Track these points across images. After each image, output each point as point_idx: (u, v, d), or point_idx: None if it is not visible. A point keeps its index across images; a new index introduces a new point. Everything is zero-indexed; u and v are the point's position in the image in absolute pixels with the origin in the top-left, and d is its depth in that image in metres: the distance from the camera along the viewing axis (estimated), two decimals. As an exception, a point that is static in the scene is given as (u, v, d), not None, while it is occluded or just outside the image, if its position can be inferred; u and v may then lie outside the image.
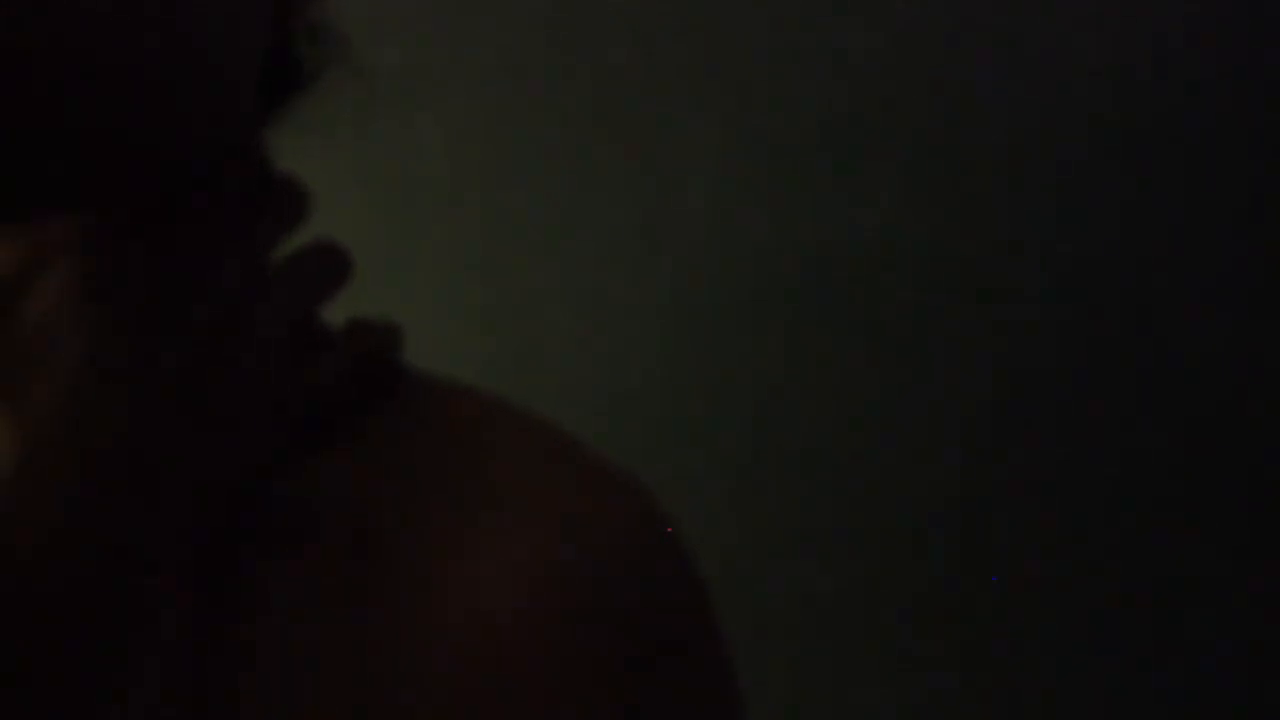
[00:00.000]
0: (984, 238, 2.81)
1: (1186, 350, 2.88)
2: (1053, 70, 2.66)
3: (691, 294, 2.86)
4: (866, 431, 2.94)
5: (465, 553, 0.57)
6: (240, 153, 0.59)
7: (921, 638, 2.74)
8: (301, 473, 0.59)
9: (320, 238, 0.63)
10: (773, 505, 2.91)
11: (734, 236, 2.81)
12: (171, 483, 0.53)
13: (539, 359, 2.93)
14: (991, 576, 2.77)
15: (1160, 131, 2.70)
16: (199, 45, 0.52)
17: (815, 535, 2.89)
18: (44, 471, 0.51)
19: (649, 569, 0.57)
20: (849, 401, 2.96)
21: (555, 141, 2.79)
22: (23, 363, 0.53)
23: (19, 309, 0.54)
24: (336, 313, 2.67)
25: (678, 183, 2.76)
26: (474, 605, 0.56)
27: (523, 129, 2.79)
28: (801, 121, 2.71)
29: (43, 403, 0.52)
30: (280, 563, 0.57)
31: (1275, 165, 2.69)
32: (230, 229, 0.56)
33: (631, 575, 0.56)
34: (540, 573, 0.56)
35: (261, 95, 0.62)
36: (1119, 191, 2.78)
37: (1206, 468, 2.89)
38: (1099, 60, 2.56)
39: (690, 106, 2.75)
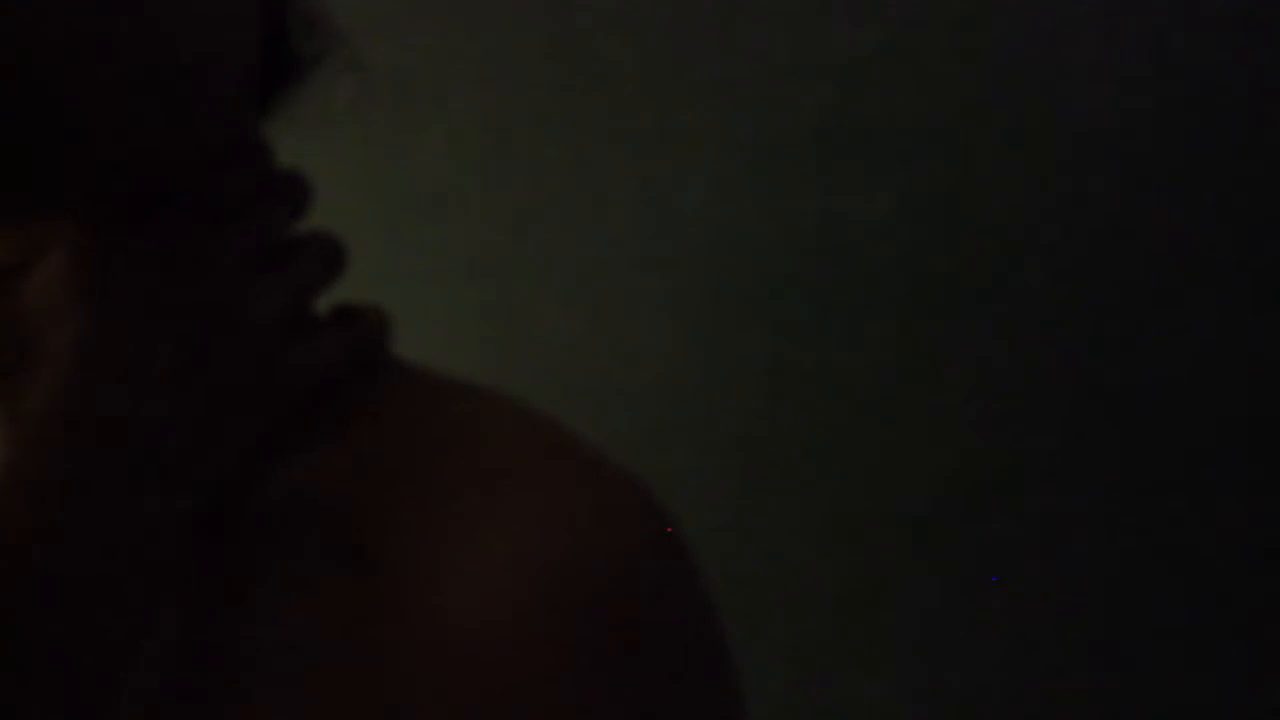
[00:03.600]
0: (984, 237, 2.81)
1: (1187, 350, 2.88)
2: (1053, 70, 2.66)
3: (691, 293, 2.86)
4: (867, 430, 2.93)
5: (463, 550, 0.56)
6: (236, 142, 0.59)
7: (921, 637, 2.74)
8: (293, 466, 0.59)
9: (318, 229, 0.63)
10: (772, 503, 2.90)
11: (734, 236, 2.81)
12: (163, 473, 0.53)
13: (539, 358, 2.93)
14: (991, 576, 2.77)
15: (1161, 131, 2.70)
16: (186, 38, 0.52)
17: (815, 534, 2.89)
18: (37, 463, 0.51)
19: (648, 564, 0.57)
20: (849, 400, 2.96)
21: (555, 141, 2.79)
22: (18, 352, 0.53)
23: (14, 299, 0.54)
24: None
25: (678, 183, 2.76)
26: (473, 602, 0.55)
27: (523, 129, 2.79)
28: (801, 120, 2.71)
29: (37, 393, 0.52)
30: (276, 559, 0.57)
31: (1276, 165, 2.69)
32: (225, 216, 0.56)
33: (631, 570, 0.56)
34: (539, 568, 0.56)
35: (257, 88, 0.62)
36: (1119, 191, 2.78)
37: (1207, 468, 2.89)
38: (1099, 60, 2.56)
39: (690, 106, 2.75)
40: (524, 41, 2.75)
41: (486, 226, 2.87)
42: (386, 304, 2.82)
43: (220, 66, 0.53)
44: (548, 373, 3.01)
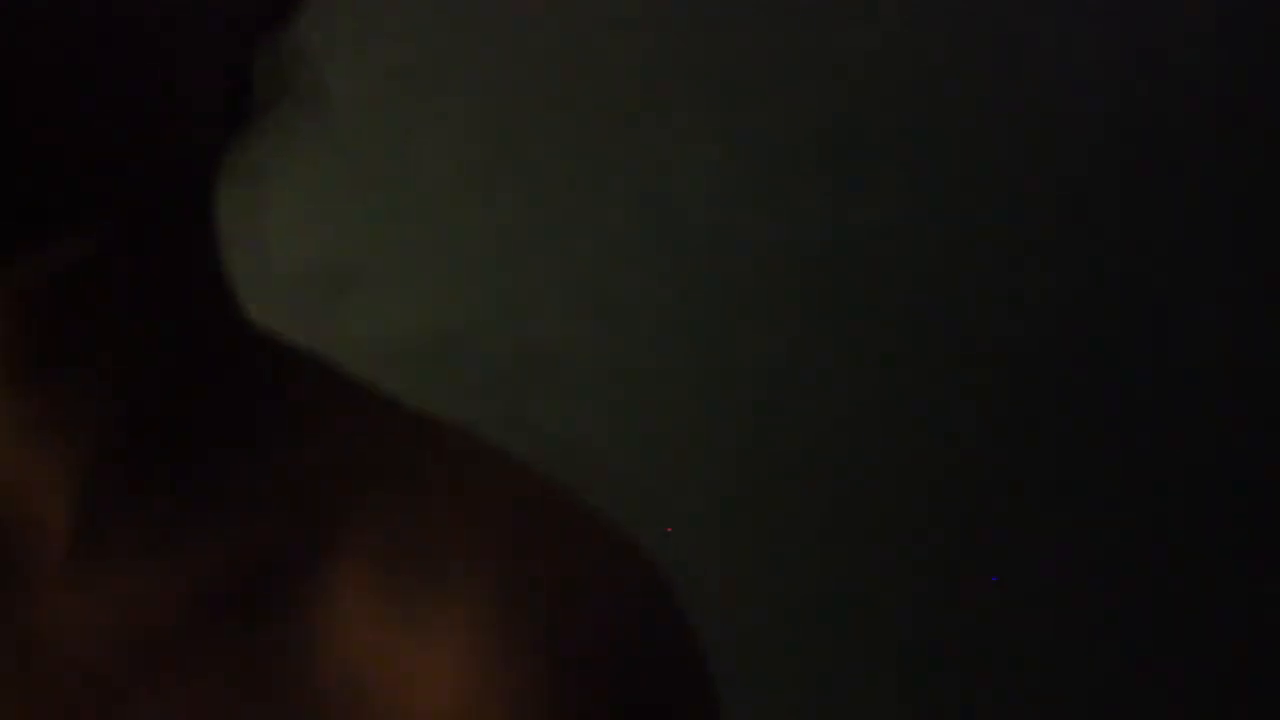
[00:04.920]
0: (986, 240, 2.81)
1: (1187, 349, 2.88)
2: (1053, 71, 2.67)
3: (691, 293, 2.86)
4: (867, 431, 2.93)
5: (441, 598, 0.56)
6: (196, 185, 0.59)
7: (921, 638, 2.74)
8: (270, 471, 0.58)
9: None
10: (772, 504, 2.90)
11: (734, 236, 2.80)
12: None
13: (539, 358, 2.93)
14: (991, 576, 2.77)
15: (1160, 132, 2.71)
16: (159, 75, 0.51)
17: (815, 534, 2.88)
18: None
19: (630, 604, 0.57)
20: (850, 401, 2.96)
21: (555, 141, 2.79)
22: None
23: None
24: (337, 312, 2.67)
25: (678, 182, 2.76)
26: (449, 650, 0.55)
27: (523, 129, 2.79)
28: (802, 122, 2.71)
29: None
30: (261, 611, 0.57)
31: (1275, 165, 2.69)
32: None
33: (614, 612, 0.56)
34: (518, 614, 0.56)
35: (219, 123, 0.61)
36: (1119, 191, 2.78)
37: (1207, 468, 2.88)
38: (1099, 61, 2.57)
39: (690, 106, 2.76)
40: (525, 43, 2.75)
41: (487, 227, 2.87)
42: (386, 303, 2.82)
43: (189, 96, 0.53)
44: (548, 372, 3.01)
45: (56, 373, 0.54)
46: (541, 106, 2.80)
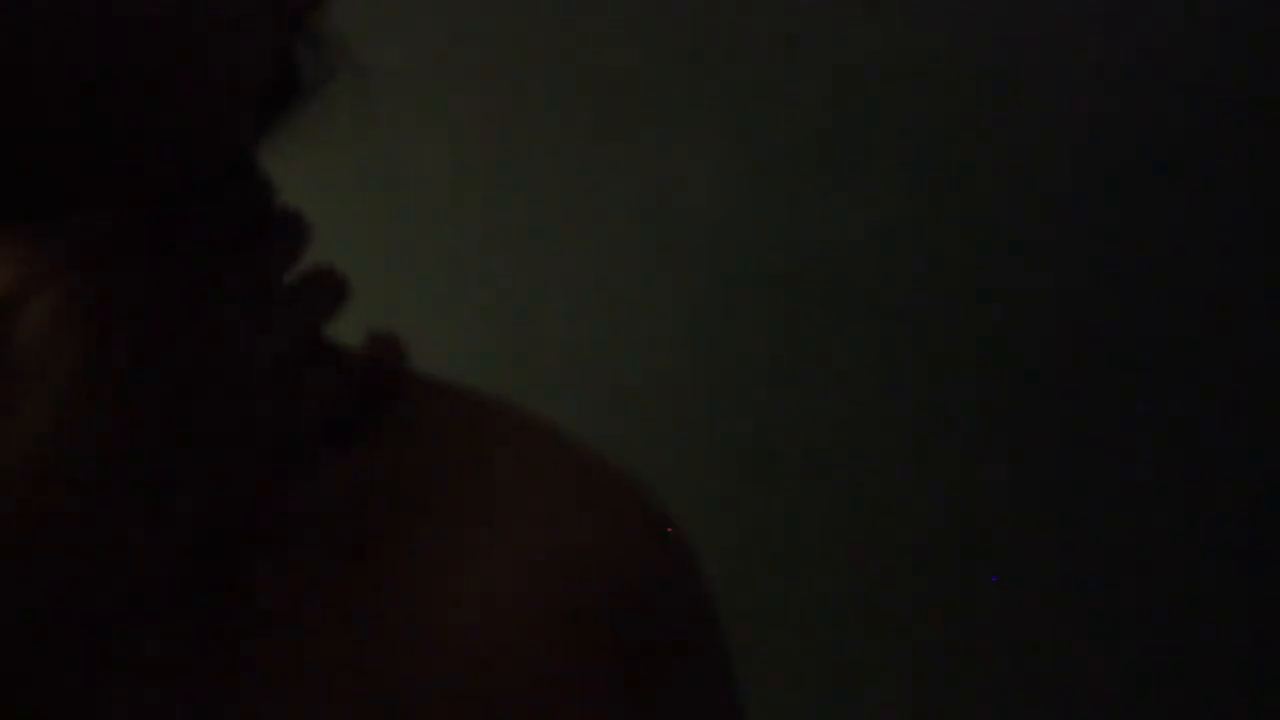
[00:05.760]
0: (983, 238, 2.81)
1: (1185, 349, 2.88)
2: (1053, 71, 2.67)
3: (691, 293, 2.86)
4: (866, 430, 2.93)
5: (466, 561, 0.57)
6: (239, 167, 0.59)
7: (920, 638, 2.74)
8: (301, 481, 0.59)
9: (319, 263, 0.63)
10: (772, 503, 2.90)
11: (734, 236, 2.80)
12: (158, 501, 0.53)
13: (538, 358, 2.93)
14: (992, 576, 2.77)
15: (1159, 132, 2.71)
16: (201, 54, 0.52)
17: (815, 533, 2.88)
18: (26, 487, 0.51)
19: (649, 571, 0.58)
20: (850, 400, 2.96)
21: (555, 141, 2.79)
22: (14, 381, 0.53)
23: (12, 328, 0.54)
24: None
25: (678, 183, 2.76)
26: (476, 612, 0.56)
27: (523, 129, 2.78)
28: (802, 122, 2.72)
29: (30, 419, 0.52)
30: (281, 573, 0.57)
31: (1275, 165, 2.69)
32: (225, 253, 0.56)
33: (632, 579, 0.57)
34: (541, 578, 0.57)
35: (262, 105, 0.61)
36: (1118, 191, 2.78)
37: (1206, 467, 2.89)
38: (1098, 61, 2.57)
39: (690, 106, 2.76)
40: (524, 42, 2.75)
41: (488, 228, 2.87)
42: (387, 303, 2.81)
43: (230, 78, 0.53)
44: (547, 372, 3.01)
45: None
46: (542, 106, 2.80)
